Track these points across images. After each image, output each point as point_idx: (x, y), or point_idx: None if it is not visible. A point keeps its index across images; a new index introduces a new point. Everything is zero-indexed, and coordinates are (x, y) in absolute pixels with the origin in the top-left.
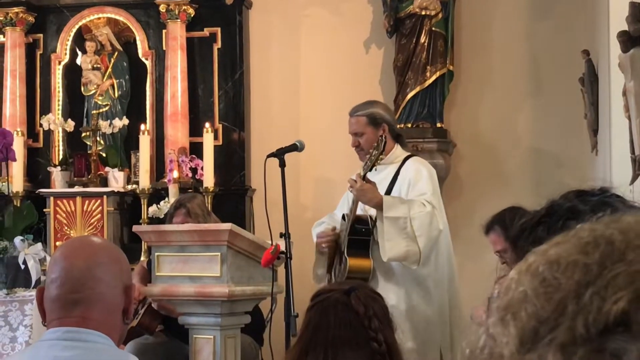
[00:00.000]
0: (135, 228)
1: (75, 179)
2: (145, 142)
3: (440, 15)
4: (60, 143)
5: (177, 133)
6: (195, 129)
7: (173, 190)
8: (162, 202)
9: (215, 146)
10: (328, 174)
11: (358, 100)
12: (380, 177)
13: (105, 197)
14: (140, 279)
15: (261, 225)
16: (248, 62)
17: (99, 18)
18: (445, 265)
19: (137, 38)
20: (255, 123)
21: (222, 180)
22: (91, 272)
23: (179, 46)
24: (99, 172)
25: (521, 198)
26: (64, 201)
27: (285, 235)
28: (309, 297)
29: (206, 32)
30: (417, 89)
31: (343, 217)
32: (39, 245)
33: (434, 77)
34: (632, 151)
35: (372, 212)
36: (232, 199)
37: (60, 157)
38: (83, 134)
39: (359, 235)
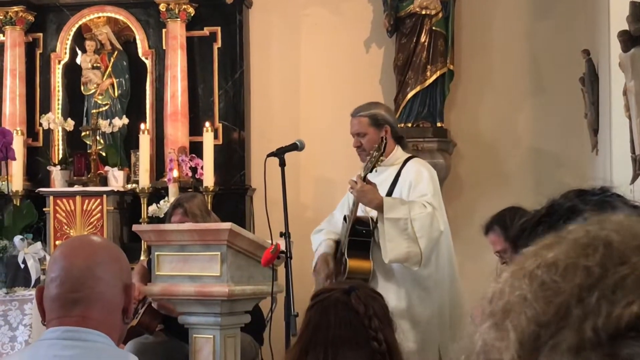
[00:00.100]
0: (135, 227)
1: (75, 178)
2: (145, 142)
3: (440, 15)
4: (60, 142)
5: (177, 132)
6: (195, 129)
7: (173, 189)
8: (162, 202)
9: (215, 145)
10: (328, 173)
11: (358, 100)
12: (381, 178)
13: (105, 196)
14: (140, 278)
15: (261, 224)
16: (248, 62)
17: (99, 17)
18: (446, 266)
19: (137, 37)
20: (256, 122)
21: (222, 180)
22: (91, 271)
23: (179, 45)
24: (99, 172)
25: (521, 198)
26: (64, 200)
27: (285, 235)
28: (309, 296)
29: (206, 31)
30: (418, 88)
31: (344, 218)
32: (39, 244)
33: (434, 77)
34: (633, 151)
35: (373, 213)
36: (232, 198)
37: (60, 156)
38: (83, 133)
39: (360, 236)
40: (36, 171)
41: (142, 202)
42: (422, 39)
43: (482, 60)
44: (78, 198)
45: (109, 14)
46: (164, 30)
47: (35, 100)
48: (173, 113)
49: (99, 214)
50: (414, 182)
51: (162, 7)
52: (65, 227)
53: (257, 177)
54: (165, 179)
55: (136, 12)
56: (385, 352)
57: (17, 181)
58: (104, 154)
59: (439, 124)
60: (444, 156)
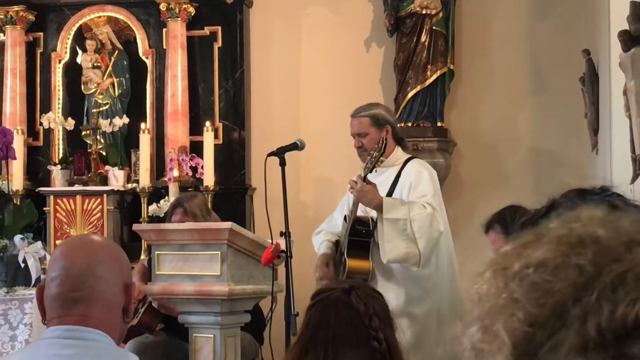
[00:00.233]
0: (135, 227)
1: (75, 177)
2: (145, 141)
3: (440, 15)
4: (61, 141)
5: (177, 132)
6: (195, 128)
7: (173, 189)
8: (162, 201)
9: (215, 145)
10: (328, 172)
11: (358, 99)
12: (381, 179)
13: (105, 195)
14: (140, 278)
15: (261, 224)
16: (248, 61)
17: (99, 17)
18: (446, 266)
19: (138, 37)
20: (256, 122)
21: (223, 179)
22: (91, 270)
23: (180, 45)
24: (99, 171)
25: (521, 197)
26: (64, 200)
27: (286, 234)
28: (309, 296)
29: (206, 30)
30: (418, 88)
31: (345, 218)
32: (39, 243)
33: (434, 76)
34: (633, 150)
35: (373, 213)
36: (233, 197)
37: (61, 155)
38: (83, 133)
39: (359, 236)
40: (36, 170)
41: (142, 201)
42: (423, 38)
43: (482, 60)
44: (78, 197)
45: (109, 14)
46: (164, 29)
47: (36, 100)
48: (173, 112)
49: (99, 214)
50: (414, 182)
51: (163, 7)
52: (66, 226)
53: (257, 177)
54: (166, 179)
55: (136, 12)
56: (386, 351)
57: (17, 180)
58: (104, 154)
59: (439, 124)
60: (444, 156)
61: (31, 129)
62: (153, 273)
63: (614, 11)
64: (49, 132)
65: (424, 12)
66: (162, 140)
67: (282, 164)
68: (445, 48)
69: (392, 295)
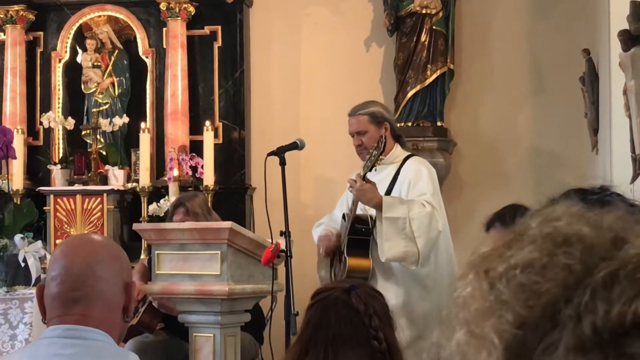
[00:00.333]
0: (135, 226)
1: (75, 177)
2: (145, 140)
3: (440, 14)
4: (61, 141)
5: (177, 131)
6: (195, 127)
7: (173, 188)
8: (162, 201)
9: (215, 144)
10: (328, 172)
11: (358, 99)
12: (380, 177)
13: (105, 195)
14: (140, 277)
15: (261, 223)
16: (248, 61)
17: (100, 16)
18: (445, 265)
19: (138, 36)
20: (256, 121)
21: (222, 179)
22: (91, 269)
23: (180, 44)
24: (99, 170)
25: (521, 197)
26: (64, 199)
27: (286, 234)
28: (309, 295)
29: (207, 30)
30: (418, 87)
31: (343, 216)
32: (39, 243)
33: (434, 76)
34: (633, 150)
35: (373, 211)
36: (232, 197)
37: (61, 155)
38: (83, 132)
39: (359, 235)
40: (36, 170)
41: (142, 201)
42: (423, 38)
43: (482, 59)
44: (78, 197)
45: (109, 13)
46: (164, 29)
47: (36, 99)
48: (173, 112)
49: (99, 213)
50: (413, 180)
51: (163, 6)
52: (66, 225)
53: (257, 176)
54: (166, 178)
55: (137, 11)
56: (386, 351)
57: (17, 180)
58: (104, 153)
59: (439, 124)
60: (444, 155)
61: (31, 129)
62: (153, 272)
63: (614, 11)
64: (49, 131)
65: (424, 11)
66: (162, 140)
67: (282, 163)
68: (445, 48)
69: (392, 294)
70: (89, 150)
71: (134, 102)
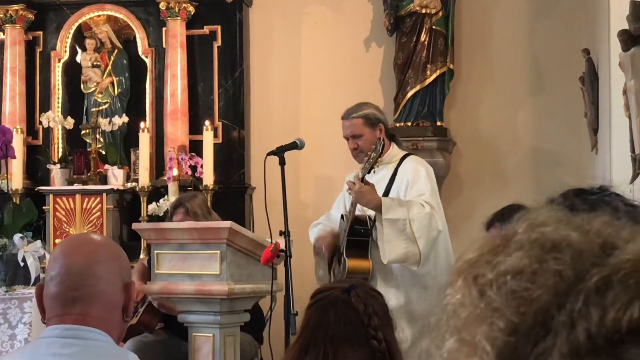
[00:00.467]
0: (134, 226)
1: (75, 176)
2: (144, 140)
3: (440, 14)
4: (60, 141)
5: (176, 131)
6: (195, 127)
7: (172, 188)
8: (161, 200)
9: (215, 144)
10: (328, 172)
11: (358, 99)
12: (378, 177)
13: (104, 194)
14: (140, 277)
15: (261, 223)
16: (248, 60)
17: (99, 15)
18: (444, 264)
19: (137, 36)
20: (255, 121)
21: (222, 178)
22: (91, 269)
23: (179, 44)
24: (99, 170)
25: (521, 197)
26: (64, 199)
27: (285, 234)
28: (309, 295)
29: (206, 29)
30: (418, 87)
31: (342, 217)
32: (38, 242)
33: (434, 76)
34: (632, 150)
35: (371, 212)
36: (232, 197)
37: (60, 154)
38: (82, 132)
39: (358, 236)
40: (36, 169)
41: (141, 200)
42: (422, 38)
43: (482, 59)
44: (78, 196)
45: (109, 13)
46: (164, 28)
47: (35, 99)
48: (173, 111)
49: (98, 213)
50: (411, 180)
51: (162, 6)
52: (65, 225)
53: (256, 176)
54: (165, 178)
55: (136, 11)
56: (385, 350)
57: (16, 179)
58: (103, 153)
59: (438, 123)
60: (444, 155)
61: (30, 128)
62: (152, 272)
63: (613, 11)
64: (48, 131)
65: (423, 11)
66: (161, 139)
67: (282, 163)
68: (445, 47)
69: (392, 294)
70: (88, 149)
71: (133, 102)
